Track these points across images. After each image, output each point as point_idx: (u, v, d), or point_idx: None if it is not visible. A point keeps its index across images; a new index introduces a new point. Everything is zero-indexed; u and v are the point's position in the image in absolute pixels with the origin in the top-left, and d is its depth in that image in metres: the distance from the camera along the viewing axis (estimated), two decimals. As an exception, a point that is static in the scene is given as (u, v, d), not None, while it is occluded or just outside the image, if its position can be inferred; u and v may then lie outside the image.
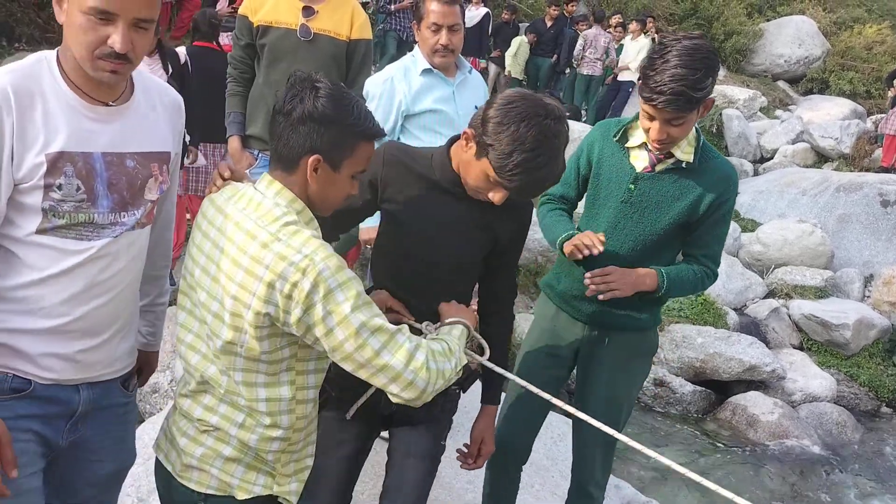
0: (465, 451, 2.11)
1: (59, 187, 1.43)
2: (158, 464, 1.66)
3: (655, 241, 2.19)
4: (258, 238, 1.45)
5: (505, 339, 2.06)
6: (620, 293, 2.12)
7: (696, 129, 2.14)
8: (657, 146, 2.09)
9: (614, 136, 2.23)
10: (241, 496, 1.56)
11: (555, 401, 1.93)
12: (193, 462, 1.56)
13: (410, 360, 1.48)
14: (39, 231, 1.44)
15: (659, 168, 2.16)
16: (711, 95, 2.03)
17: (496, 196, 1.73)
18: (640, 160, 2.19)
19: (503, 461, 2.50)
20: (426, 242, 1.86)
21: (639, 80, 2.03)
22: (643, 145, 2.19)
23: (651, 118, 2.02)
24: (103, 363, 1.61)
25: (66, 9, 1.41)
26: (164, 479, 1.64)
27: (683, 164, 2.13)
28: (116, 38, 1.38)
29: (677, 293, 2.23)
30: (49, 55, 1.48)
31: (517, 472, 2.57)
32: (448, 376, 1.56)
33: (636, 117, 2.23)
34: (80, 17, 1.38)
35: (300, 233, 1.45)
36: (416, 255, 1.88)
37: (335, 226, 1.95)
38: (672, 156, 2.14)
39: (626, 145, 2.22)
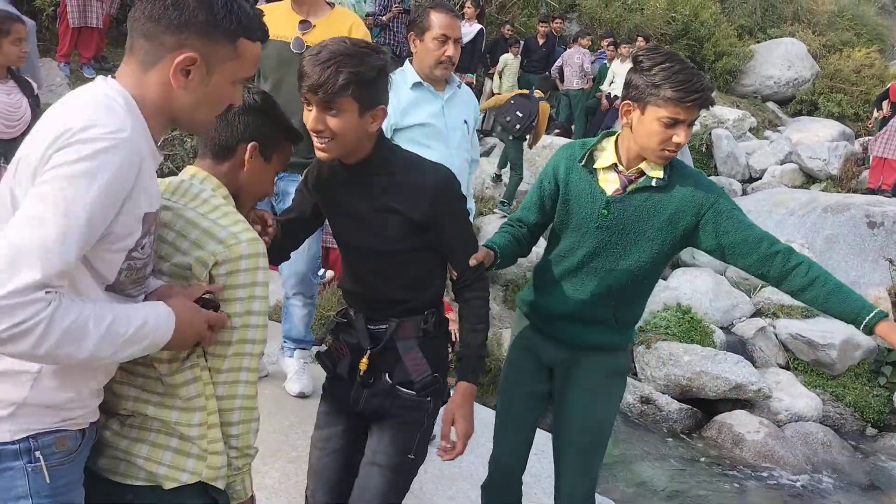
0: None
1: (143, 247, 1.37)
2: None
3: (637, 264, 2.15)
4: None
5: (476, 314, 1.97)
6: None
7: None
8: (674, 152, 2.03)
9: (580, 161, 2.19)
10: (168, 485, 1.48)
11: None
12: (119, 454, 1.50)
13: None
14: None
15: (630, 189, 2.12)
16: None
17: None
18: (609, 183, 2.15)
19: (500, 480, 2.45)
20: (350, 232, 1.93)
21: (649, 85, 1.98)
22: (612, 167, 2.16)
23: (674, 123, 1.98)
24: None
25: None
26: (84, 483, 1.54)
27: (654, 183, 2.09)
28: None
29: None
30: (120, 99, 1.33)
31: (518, 485, 2.48)
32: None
33: (600, 139, 2.21)
34: None
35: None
36: (350, 246, 1.95)
37: (286, 241, 2.04)
38: (643, 174, 2.11)
39: (594, 167, 2.17)
